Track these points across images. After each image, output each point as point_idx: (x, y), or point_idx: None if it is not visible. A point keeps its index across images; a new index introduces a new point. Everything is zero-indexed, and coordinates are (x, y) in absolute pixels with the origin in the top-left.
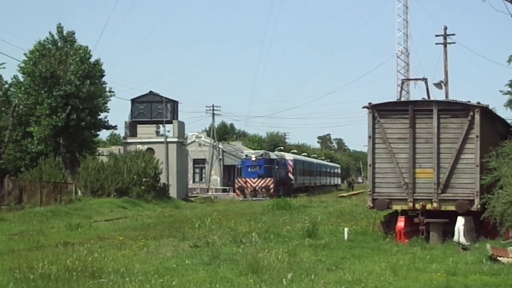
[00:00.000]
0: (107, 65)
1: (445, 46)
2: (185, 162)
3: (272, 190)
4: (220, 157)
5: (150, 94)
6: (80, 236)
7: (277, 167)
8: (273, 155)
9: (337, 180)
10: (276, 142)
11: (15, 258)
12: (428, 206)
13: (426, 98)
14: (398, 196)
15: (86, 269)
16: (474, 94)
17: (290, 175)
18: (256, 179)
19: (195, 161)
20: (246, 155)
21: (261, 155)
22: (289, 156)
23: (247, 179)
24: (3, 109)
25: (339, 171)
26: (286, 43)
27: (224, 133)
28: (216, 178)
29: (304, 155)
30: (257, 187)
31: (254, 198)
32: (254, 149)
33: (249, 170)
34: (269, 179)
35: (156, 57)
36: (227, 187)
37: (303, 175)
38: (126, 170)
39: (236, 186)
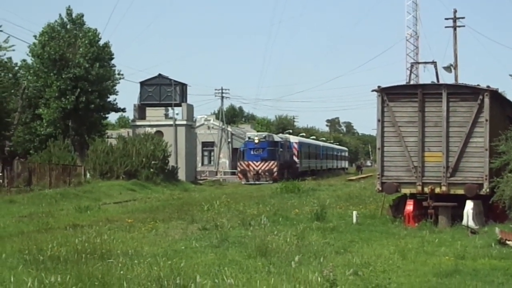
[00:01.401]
0: (116, 48)
1: (455, 29)
2: (194, 145)
3: (275, 174)
4: (229, 140)
5: (159, 77)
6: (89, 219)
7: (281, 150)
8: (276, 137)
9: (345, 164)
10: (284, 125)
11: (24, 240)
12: (437, 190)
13: (436, 81)
14: (407, 180)
15: (95, 251)
16: (484, 78)
17: (295, 159)
18: (259, 162)
19: (204, 144)
20: (249, 137)
21: (264, 137)
22: (294, 139)
23: (250, 162)
24: (12, 91)
25: (347, 154)
26: (294, 26)
27: (233, 116)
28: (224, 161)
29: (313, 138)
30: (260, 171)
31: (257, 182)
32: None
33: (252, 153)
34: (272, 162)
35: (165, 40)
36: (236, 170)
37: (308, 158)
38: (135, 152)
39: (238, 169)
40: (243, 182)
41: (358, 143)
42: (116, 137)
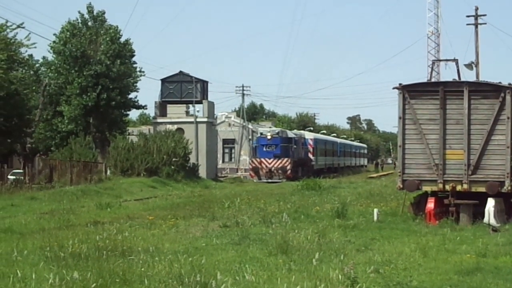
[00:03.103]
0: (137, 45)
1: (476, 27)
2: (215, 142)
3: (289, 172)
4: (250, 137)
5: (180, 74)
6: (110, 216)
7: (295, 146)
8: (290, 133)
9: (363, 161)
10: (305, 122)
11: (45, 237)
12: (458, 188)
13: (457, 79)
14: (428, 177)
15: (116, 248)
16: (506, 75)
17: (310, 156)
18: (271, 160)
19: (225, 141)
20: (261, 133)
21: (277, 133)
22: (309, 135)
23: (262, 160)
24: (34, 88)
25: (366, 151)
26: (316, 23)
27: (253, 113)
28: (245, 158)
29: (334, 136)
30: (272, 168)
31: (270, 180)
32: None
33: (264, 149)
34: (286, 159)
35: (186, 37)
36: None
37: (324, 156)
38: (156, 149)
39: (250, 166)
40: (254, 180)
41: (379, 140)
42: (137, 134)
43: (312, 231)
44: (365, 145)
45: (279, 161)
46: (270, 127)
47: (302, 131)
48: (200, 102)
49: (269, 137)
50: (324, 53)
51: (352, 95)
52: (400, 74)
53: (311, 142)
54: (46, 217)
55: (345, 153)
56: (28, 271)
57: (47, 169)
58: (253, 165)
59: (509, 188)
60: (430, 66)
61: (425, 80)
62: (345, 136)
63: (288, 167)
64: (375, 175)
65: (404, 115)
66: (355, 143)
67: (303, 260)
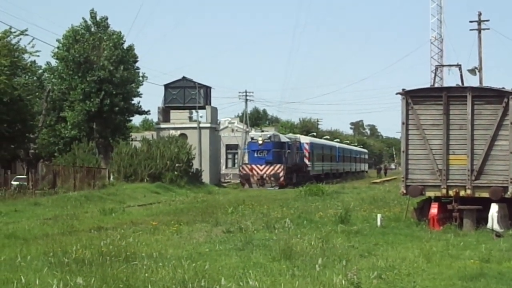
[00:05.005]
0: (140, 51)
1: (480, 32)
2: (218, 147)
3: (282, 179)
4: None
5: (183, 80)
6: (113, 221)
7: (288, 151)
8: (283, 137)
9: (364, 166)
10: (308, 128)
11: (49, 243)
12: (462, 193)
13: (460, 84)
14: (431, 183)
15: (120, 253)
16: (509, 81)
17: (306, 161)
18: (263, 166)
19: (228, 147)
20: (252, 138)
21: (269, 137)
22: (304, 139)
23: (253, 166)
24: (37, 94)
25: (367, 156)
26: (319, 29)
27: (256, 118)
28: None
29: (337, 141)
30: (264, 175)
31: (262, 188)
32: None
33: (256, 155)
34: (278, 165)
35: (189, 43)
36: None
37: (322, 161)
38: (159, 155)
39: (240, 173)
40: (244, 188)
41: (382, 146)
42: (140, 140)
43: (315, 236)
44: (365, 150)
45: (271, 167)
46: (262, 131)
47: (297, 135)
48: (203, 108)
49: (260, 142)
50: (327, 59)
51: (355, 100)
52: (403, 79)
53: (306, 147)
54: (50, 223)
55: (344, 158)
56: (32, 276)
57: (50, 174)
58: (244, 172)
59: None
60: (433, 71)
61: (428, 86)
62: (348, 142)
63: (281, 174)
64: (378, 180)
65: (407, 121)
66: (355, 147)
67: (307, 266)
